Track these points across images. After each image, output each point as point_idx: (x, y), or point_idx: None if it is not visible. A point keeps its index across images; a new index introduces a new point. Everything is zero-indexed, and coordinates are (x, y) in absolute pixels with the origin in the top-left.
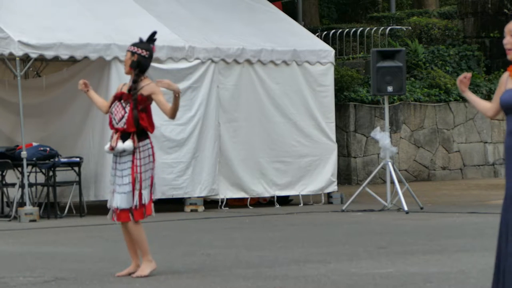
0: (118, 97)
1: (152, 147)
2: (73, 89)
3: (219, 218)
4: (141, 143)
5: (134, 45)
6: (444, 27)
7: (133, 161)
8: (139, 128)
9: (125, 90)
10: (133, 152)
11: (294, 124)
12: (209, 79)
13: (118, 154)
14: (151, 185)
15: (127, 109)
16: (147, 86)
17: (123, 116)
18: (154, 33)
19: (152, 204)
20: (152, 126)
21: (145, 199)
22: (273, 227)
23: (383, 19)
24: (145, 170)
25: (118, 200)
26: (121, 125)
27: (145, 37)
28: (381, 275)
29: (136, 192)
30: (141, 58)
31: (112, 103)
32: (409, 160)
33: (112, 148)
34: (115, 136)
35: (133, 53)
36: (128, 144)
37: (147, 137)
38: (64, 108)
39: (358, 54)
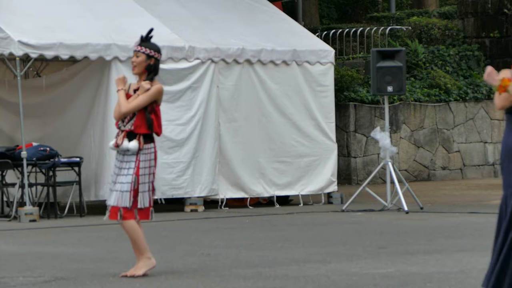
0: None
1: (155, 152)
2: (73, 89)
3: (219, 218)
4: (145, 146)
5: (148, 47)
6: (444, 27)
7: (134, 162)
8: (152, 131)
9: (131, 91)
10: (136, 153)
11: (294, 124)
12: (209, 79)
13: (122, 153)
14: (152, 190)
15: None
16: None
17: (131, 118)
18: (151, 30)
19: (151, 209)
20: (160, 128)
21: (142, 203)
22: (273, 227)
23: (383, 19)
24: (144, 173)
25: (112, 198)
26: (128, 126)
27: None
28: (381, 275)
29: (131, 193)
30: (157, 62)
31: None
32: (409, 160)
33: (117, 145)
34: (121, 135)
35: (149, 57)
36: (134, 144)
37: (152, 140)
38: (64, 108)
39: (358, 54)
